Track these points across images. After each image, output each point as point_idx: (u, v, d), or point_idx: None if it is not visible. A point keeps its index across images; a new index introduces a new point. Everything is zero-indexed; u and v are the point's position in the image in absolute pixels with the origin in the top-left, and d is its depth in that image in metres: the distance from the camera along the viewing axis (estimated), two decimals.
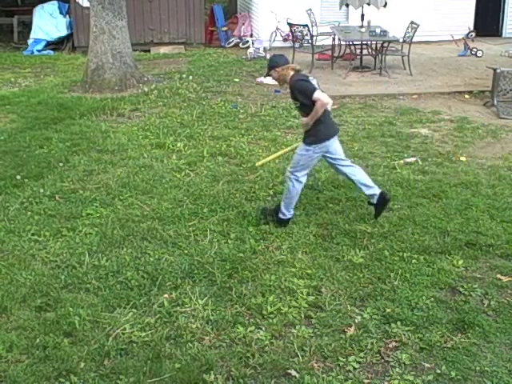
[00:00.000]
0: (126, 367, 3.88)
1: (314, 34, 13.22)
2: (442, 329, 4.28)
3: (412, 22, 12.26)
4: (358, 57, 12.78)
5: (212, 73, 12.61)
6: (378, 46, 12.37)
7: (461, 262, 5.15)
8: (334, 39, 12.86)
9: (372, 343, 4.13)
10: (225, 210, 6.12)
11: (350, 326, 4.31)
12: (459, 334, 4.23)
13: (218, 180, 6.87)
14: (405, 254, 5.24)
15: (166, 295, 4.68)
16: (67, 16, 15.86)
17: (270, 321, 4.37)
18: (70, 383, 3.78)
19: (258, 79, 12.12)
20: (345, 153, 7.78)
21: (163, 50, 15.51)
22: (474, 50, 13.88)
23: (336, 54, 13.02)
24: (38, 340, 4.12)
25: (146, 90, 11.11)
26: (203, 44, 15.96)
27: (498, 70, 10.05)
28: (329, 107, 5.55)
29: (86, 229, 5.72)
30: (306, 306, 4.55)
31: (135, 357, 4.00)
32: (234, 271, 4.99)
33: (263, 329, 4.29)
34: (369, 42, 12.51)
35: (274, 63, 5.61)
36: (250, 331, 4.25)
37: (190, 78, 12.15)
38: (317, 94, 5.34)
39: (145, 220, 5.91)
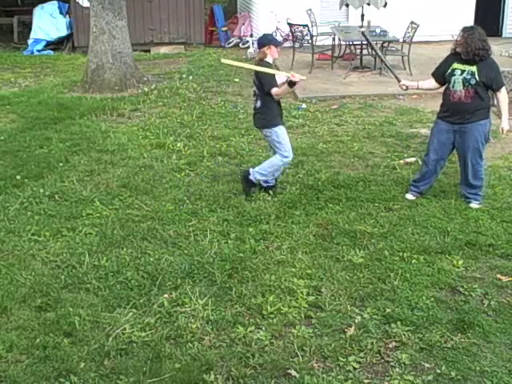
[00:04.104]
0: (125, 367, 3.89)
1: (314, 34, 13.21)
2: (442, 329, 4.28)
3: (412, 22, 12.25)
4: (358, 57, 12.78)
5: (212, 73, 12.60)
6: (378, 45, 12.36)
7: (461, 262, 5.15)
8: (334, 39, 12.85)
9: (372, 343, 4.13)
10: (225, 209, 6.12)
11: (350, 326, 4.31)
12: (459, 334, 4.23)
13: (218, 180, 6.87)
14: (405, 254, 5.24)
15: (165, 295, 4.68)
16: (67, 16, 15.83)
17: (270, 321, 4.37)
18: (70, 383, 3.78)
19: None
20: (345, 153, 7.85)
21: (163, 49, 15.49)
22: None
23: (336, 54, 13.01)
24: (38, 340, 4.12)
25: (146, 89, 11.10)
26: (203, 44, 15.94)
27: None
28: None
29: (86, 229, 5.72)
30: (306, 306, 4.55)
31: (135, 357, 4.00)
32: (234, 271, 4.99)
33: (263, 329, 4.29)
34: None
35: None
36: (250, 331, 4.25)
37: (190, 77, 12.15)
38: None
39: (145, 220, 5.91)
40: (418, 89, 6.59)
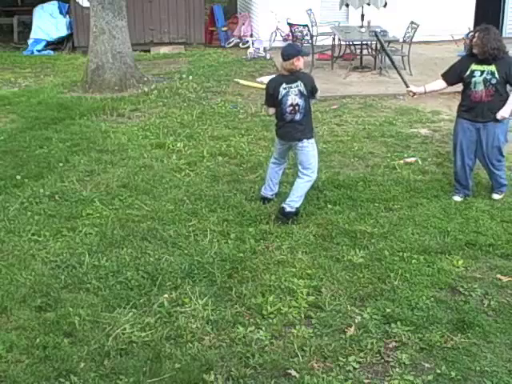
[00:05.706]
0: (125, 367, 3.89)
1: (314, 34, 13.21)
2: (442, 329, 4.28)
3: (412, 22, 12.25)
4: (358, 57, 12.78)
5: (212, 73, 12.61)
6: (378, 46, 12.36)
7: (461, 262, 5.15)
8: (334, 39, 12.86)
9: (372, 343, 4.13)
10: (225, 209, 6.12)
11: (350, 326, 4.31)
12: (459, 334, 4.23)
13: (218, 180, 6.87)
14: (405, 254, 5.24)
15: (165, 295, 4.68)
16: (67, 16, 15.85)
17: (270, 321, 4.37)
18: (70, 383, 3.78)
19: (258, 79, 12.11)
20: (345, 153, 7.84)
21: (163, 49, 15.50)
22: None
23: (336, 54, 13.02)
24: (38, 340, 4.12)
25: (146, 89, 11.11)
26: (203, 44, 15.95)
27: None
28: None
29: (86, 229, 5.72)
30: (306, 305, 4.55)
31: (135, 357, 4.00)
32: (234, 271, 4.99)
33: (263, 329, 4.29)
34: (369, 42, 12.51)
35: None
36: (250, 331, 4.25)
37: (190, 77, 12.15)
38: None
39: (145, 220, 5.91)
40: (425, 93, 6.62)
